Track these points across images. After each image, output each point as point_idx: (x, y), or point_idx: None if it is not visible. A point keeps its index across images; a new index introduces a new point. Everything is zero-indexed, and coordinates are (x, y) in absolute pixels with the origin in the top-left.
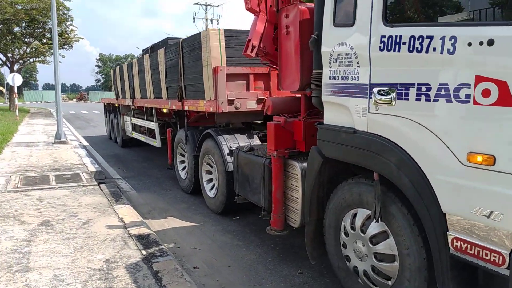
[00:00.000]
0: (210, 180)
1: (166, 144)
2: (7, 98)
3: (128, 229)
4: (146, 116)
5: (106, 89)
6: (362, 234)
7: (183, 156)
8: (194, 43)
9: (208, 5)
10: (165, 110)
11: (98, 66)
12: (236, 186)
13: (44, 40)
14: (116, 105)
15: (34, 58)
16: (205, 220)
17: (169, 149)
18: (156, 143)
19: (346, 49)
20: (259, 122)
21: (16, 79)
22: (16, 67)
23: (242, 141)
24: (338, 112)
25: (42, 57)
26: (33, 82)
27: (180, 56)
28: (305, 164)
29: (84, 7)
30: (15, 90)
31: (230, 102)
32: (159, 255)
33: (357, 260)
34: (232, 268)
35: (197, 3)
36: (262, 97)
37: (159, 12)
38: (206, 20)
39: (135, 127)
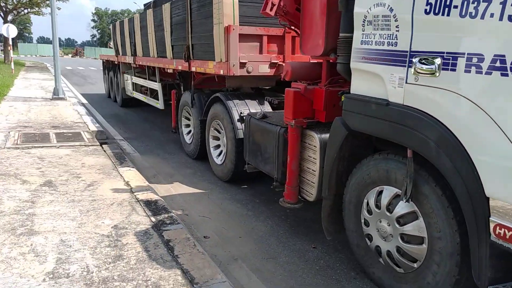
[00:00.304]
0: (218, 146)
1: (169, 106)
2: (1, 50)
3: (135, 193)
4: (148, 76)
5: (102, 45)
6: (388, 213)
7: (188, 120)
8: None
9: None
10: (169, 71)
11: (93, 20)
12: (246, 154)
13: None
14: (116, 62)
15: (28, 9)
16: (212, 187)
17: (173, 112)
18: (159, 104)
19: (384, 10)
20: (267, 88)
21: (10, 30)
22: (9, 18)
23: (253, 107)
24: (369, 81)
25: (37, 8)
26: (27, 34)
27: (188, 12)
28: (324, 136)
29: None
30: (10, 42)
31: (242, 65)
32: (169, 223)
33: (380, 239)
34: (243, 239)
35: None
36: (276, 61)
37: None
38: None
39: (136, 87)
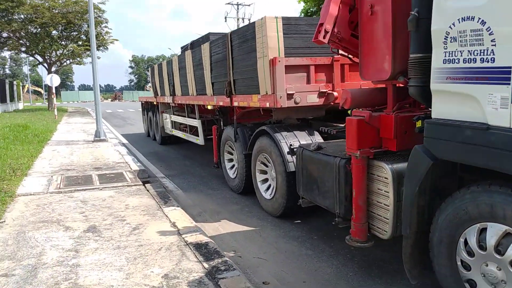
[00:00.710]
0: (265, 180)
1: (209, 142)
2: (46, 99)
3: (183, 235)
4: (187, 114)
5: (139, 89)
6: (497, 256)
7: (231, 154)
8: (246, 34)
9: (240, 4)
10: (209, 107)
11: (131, 67)
12: (300, 188)
13: (80, 42)
14: (155, 103)
15: (71, 60)
16: (263, 224)
17: (214, 147)
18: (199, 140)
19: (473, 24)
20: (311, 118)
21: (54, 80)
22: (53, 68)
23: (302, 138)
24: (458, 103)
25: (78, 58)
26: (69, 83)
27: (229, 50)
28: (396, 166)
29: (116, 11)
30: (53, 91)
31: (289, 96)
32: (224, 269)
33: (489, 287)
34: (308, 284)
35: (228, 3)
36: (324, 90)
37: (188, 15)
38: (238, 19)
39: (175, 125)
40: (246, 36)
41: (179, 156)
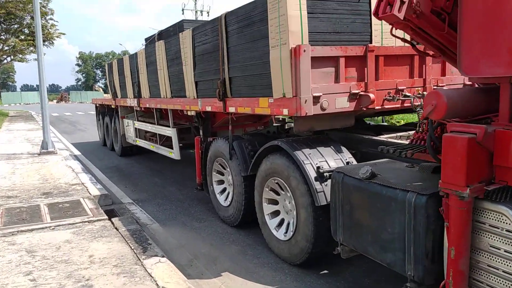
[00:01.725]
0: (276, 213)
1: (188, 155)
2: None
3: None
4: (156, 120)
5: (87, 88)
6: None
7: (222, 174)
8: (252, 14)
9: None
10: (190, 113)
11: (78, 65)
12: (339, 230)
13: (22, 37)
14: (113, 106)
15: (11, 57)
16: (279, 276)
17: (197, 165)
18: (174, 154)
19: None
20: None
21: None
22: None
23: (330, 157)
24: None
25: (20, 55)
26: (10, 83)
27: (222, 37)
28: None
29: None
30: None
31: (316, 100)
32: None
33: None
34: None
35: None
36: (356, 91)
37: (137, 9)
38: (196, 11)
39: (140, 133)
40: (252, 17)
41: (146, 172)
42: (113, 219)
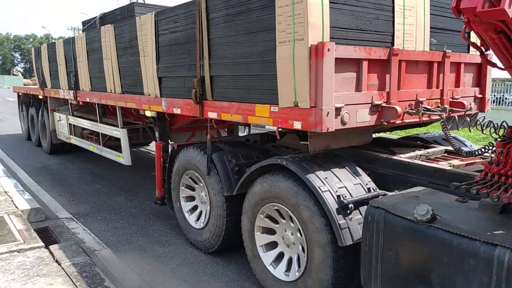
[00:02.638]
0: (272, 244)
1: (134, 155)
2: None
3: None
4: (99, 117)
5: (4, 72)
6: None
7: (192, 189)
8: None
9: None
10: (150, 113)
11: None
12: (376, 281)
13: None
14: (41, 96)
15: None
16: None
17: (157, 175)
18: (123, 159)
19: None
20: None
21: None
22: None
23: (348, 181)
24: None
25: None
26: None
27: (202, 26)
28: None
29: None
30: None
31: (337, 111)
32: None
33: None
34: None
35: None
36: (379, 102)
37: None
38: None
39: (76, 130)
40: (248, 3)
41: (83, 175)
42: (51, 248)
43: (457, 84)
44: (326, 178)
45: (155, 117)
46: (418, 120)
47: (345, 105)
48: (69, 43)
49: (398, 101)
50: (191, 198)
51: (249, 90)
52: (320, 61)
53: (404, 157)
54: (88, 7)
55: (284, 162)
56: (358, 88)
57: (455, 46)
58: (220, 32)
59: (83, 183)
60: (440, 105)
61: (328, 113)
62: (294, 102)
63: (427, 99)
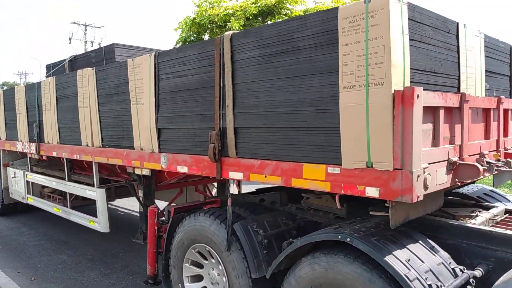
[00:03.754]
0: None
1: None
2: None
3: None
4: (67, 174)
5: None
6: None
7: (200, 266)
8: (295, 37)
9: (88, 25)
10: (144, 171)
11: None
12: None
13: None
14: None
15: None
16: None
17: (149, 251)
18: (99, 224)
19: None
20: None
21: None
22: None
23: (430, 262)
24: None
25: None
26: None
27: (224, 69)
28: None
29: None
30: None
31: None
32: None
33: None
34: None
35: (74, 23)
36: (455, 158)
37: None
38: (86, 42)
39: (35, 188)
40: (293, 41)
41: (43, 242)
42: None
43: (506, 133)
44: (409, 260)
45: (140, 174)
46: (481, 177)
47: (429, 163)
48: (33, 89)
49: (468, 156)
50: (198, 278)
51: (293, 146)
52: (408, 111)
53: (474, 222)
54: (35, 51)
55: (348, 239)
56: (434, 142)
57: (501, 91)
58: (251, 76)
59: (44, 253)
60: (500, 158)
61: (418, 176)
62: (367, 163)
63: (488, 152)
